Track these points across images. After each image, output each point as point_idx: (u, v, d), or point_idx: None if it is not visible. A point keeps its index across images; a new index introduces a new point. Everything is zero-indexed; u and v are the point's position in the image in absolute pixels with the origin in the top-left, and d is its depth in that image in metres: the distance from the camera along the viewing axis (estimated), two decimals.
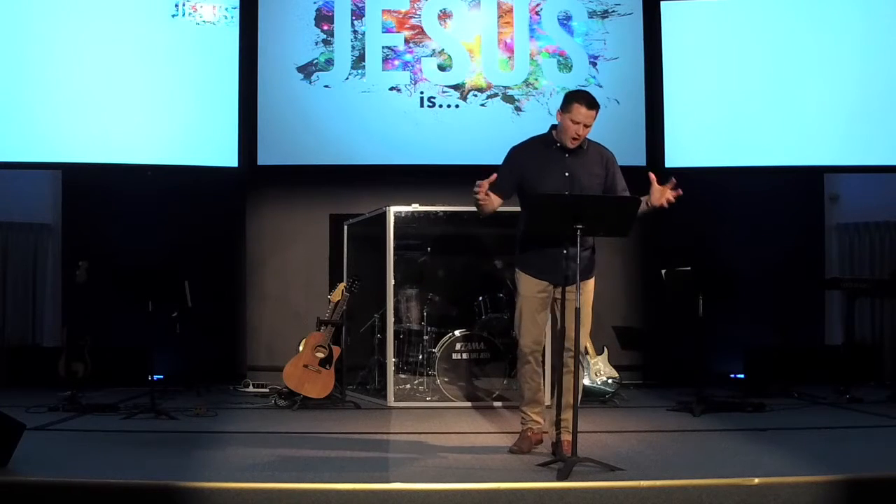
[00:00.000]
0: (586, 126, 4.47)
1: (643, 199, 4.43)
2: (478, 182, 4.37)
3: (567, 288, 4.46)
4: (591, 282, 4.62)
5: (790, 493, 3.71)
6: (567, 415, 4.51)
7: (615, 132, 7.72)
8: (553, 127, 4.63)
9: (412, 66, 7.95)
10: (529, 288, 4.59)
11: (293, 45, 7.93)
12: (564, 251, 4.39)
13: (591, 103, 4.47)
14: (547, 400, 4.95)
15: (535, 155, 4.58)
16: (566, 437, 4.50)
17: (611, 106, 7.89)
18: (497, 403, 6.47)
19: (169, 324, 6.72)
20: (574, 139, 4.48)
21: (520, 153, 4.65)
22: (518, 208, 4.69)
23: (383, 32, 7.96)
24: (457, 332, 6.67)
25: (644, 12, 7.99)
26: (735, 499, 3.68)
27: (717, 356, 7.53)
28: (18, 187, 7.85)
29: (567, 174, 4.51)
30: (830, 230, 8.28)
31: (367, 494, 3.68)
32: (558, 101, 4.64)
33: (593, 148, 4.63)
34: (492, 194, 4.44)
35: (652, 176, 4.44)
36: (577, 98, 4.48)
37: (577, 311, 4.26)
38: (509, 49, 7.98)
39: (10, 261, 7.91)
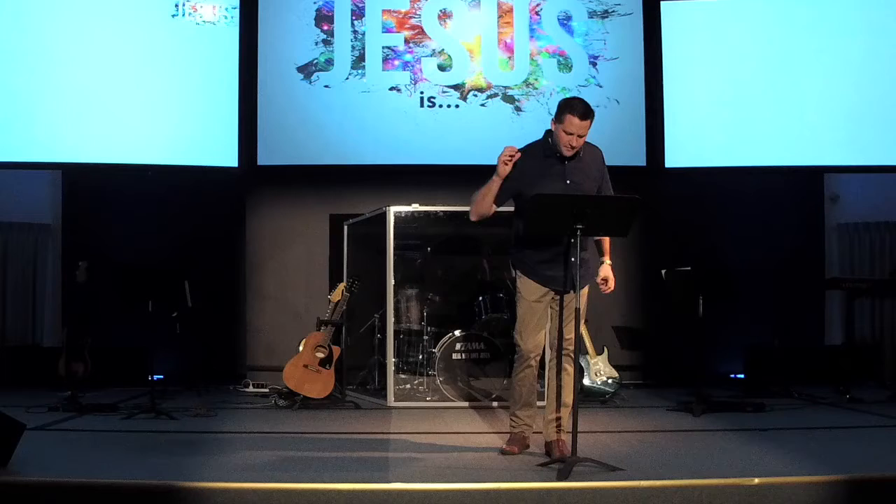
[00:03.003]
0: (580, 136, 4.38)
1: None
2: (510, 150, 4.40)
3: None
4: (587, 288, 4.59)
5: (790, 493, 3.71)
6: (561, 413, 4.53)
7: (615, 132, 7.76)
8: (549, 132, 4.55)
9: (412, 66, 7.95)
10: (534, 293, 4.54)
11: (293, 45, 7.93)
12: (571, 258, 4.35)
13: (585, 114, 4.35)
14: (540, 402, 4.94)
15: (532, 164, 4.47)
16: (562, 436, 4.51)
17: (611, 106, 7.91)
18: (496, 403, 6.46)
19: (169, 324, 6.72)
20: (567, 149, 4.41)
21: (517, 162, 4.48)
22: (511, 208, 4.65)
23: (383, 32, 7.96)
24: (457, 332, 6.66)
25: (644, 12, 7.99)
26: (735, 499, 3.68)
27: (717, 356, 7.53)
28: (18, 187, 7.85)
29: (568, 182, 4.46)
30: (830, 230, 8.28)
31: (367, 494, 3.67)
32: (558, 101, 4.58)
33: (588, 150, 4.56)
34: (487, 197, 4.47)
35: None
36: (570, 109, 4.36)
37: (577, 312, 4.28)
38: (509, 49, 7.98)
39: (10, 261, 7.91)
